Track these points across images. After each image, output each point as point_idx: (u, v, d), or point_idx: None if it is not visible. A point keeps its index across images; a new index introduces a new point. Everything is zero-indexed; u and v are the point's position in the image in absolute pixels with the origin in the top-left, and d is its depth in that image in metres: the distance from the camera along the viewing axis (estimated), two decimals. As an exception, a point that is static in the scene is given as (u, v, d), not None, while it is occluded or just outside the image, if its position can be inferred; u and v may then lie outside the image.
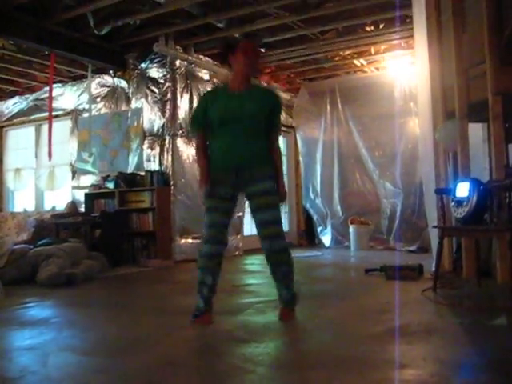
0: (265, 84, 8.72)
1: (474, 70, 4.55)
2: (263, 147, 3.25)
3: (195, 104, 7.42)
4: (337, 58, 8.33)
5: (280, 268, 3.22)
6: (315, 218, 9.16)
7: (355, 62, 8.40)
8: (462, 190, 3.97)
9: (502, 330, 2.88)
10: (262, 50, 3.63)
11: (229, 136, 3.18)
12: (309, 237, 9.29)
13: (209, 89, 3.21)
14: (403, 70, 8.21)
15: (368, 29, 7.02)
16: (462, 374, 2.22)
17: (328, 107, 9.11)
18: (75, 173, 8.04)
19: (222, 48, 3.38)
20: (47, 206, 8.50)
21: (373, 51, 8.03)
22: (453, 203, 4.07)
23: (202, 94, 3.59)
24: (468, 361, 2.34)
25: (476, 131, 5.22)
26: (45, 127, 8.22)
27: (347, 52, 8.05)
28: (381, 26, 6.90)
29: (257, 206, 3.18)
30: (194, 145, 3.42)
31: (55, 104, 7.96)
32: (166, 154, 7.14)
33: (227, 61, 3.27)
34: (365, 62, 8.49)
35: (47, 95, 7.63)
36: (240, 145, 3.17)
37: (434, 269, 4.32)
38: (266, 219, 3.14)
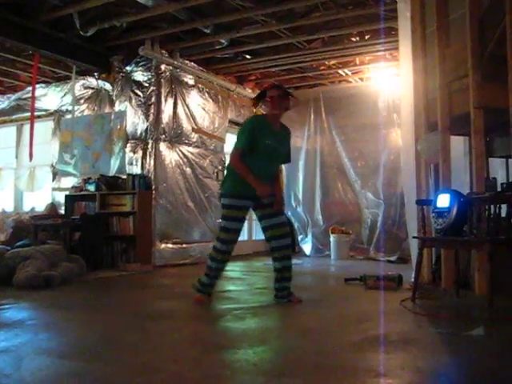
0: (249, 90, 8.80)
1: (457, 84, 4.61)
2: (275, 175, 4.30)
3: (179, 109, 7.41)
4: (322, 68, 8.39)
5: (288, 261, 4.08)
6: (296, 226, 9.16)
7: (340, 71, 8.46)
8: (443, 201, 4.01)
9: (479, 341, 2.90)
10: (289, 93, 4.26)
11: (260, 166, 3.97)
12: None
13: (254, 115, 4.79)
14: (387, 82, 8.29)
15: (354, 39, 7.09)
16: (439, 384, 2.24)
17: (312, 116, 9.15)
18: (56, 174, 7.96)
19: (259, 93, 4.21)
20: (26, 207, 8.40)
21: (358, 62, 8.11)
22: (433, 214, 4.10)
23: (249, 119, 4.44)
24: (445, 370, 2.35)
25: (457, 144, 5.28)
26: (26, 127, 8.15)
27: (332, 62, 8.11)
28: (366, 37, 6.97)
29: (266, 213, 4.05)
30: (237, 157, 4.01)
31: (38, 104, 7.88)
32: (148, 157, 7.10)
33: (262, 102, 4.14)
34: (349, 72, 8.56)
35: (30, 95, 7.57)
36: (264, 178, 3.98)
37: (413, 279, 4.35)
38: (275, 223, 4.04)
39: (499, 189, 4.18)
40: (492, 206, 3.75)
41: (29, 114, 7.52)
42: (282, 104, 4.06)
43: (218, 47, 7.19)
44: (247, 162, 3.95)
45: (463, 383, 2.23)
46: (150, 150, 7.10)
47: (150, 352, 2.68)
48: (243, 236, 9.34)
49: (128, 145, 7.27)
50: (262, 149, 3.95)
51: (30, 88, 7.74)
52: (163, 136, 7.16)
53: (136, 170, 7.14)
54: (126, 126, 7.29)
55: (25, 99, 8.35)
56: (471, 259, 4.41)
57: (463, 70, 4.46)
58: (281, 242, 4.04)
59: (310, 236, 8.98)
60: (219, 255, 4.04)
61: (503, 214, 3.84)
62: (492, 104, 4.29)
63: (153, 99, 7.15)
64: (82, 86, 7.83)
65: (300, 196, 9.18)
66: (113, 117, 7.45)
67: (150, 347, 2.79)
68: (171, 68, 7.33)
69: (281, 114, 4.11)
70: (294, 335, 3.13)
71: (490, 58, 4.33)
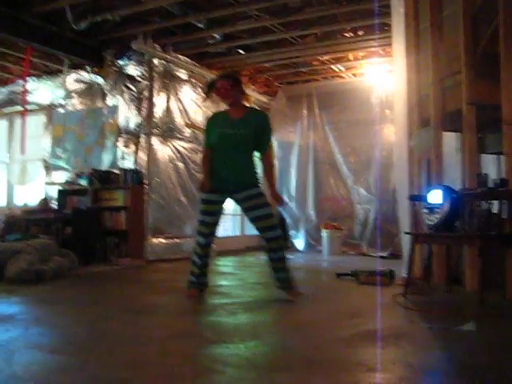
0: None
1: (450, 80, 4.62)
2: (249, 165, 4.05)
3: (172, 103, 7.42)
4: (315, 63, 8.38)
5: (276, 253, 4.01)
6: (288, 221, 9.18)
7: (333, 67, 8.46)
8: (435, 197, 4.02)
9: (470, 336, 2.91)
10: (237, 78, 4.17)
11: (224, 157, 3.98)
12: (282, 240, 9.28)
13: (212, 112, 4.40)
14: (380, 77, 8.30)
15: (347, 35, 7.09)
16: (430, 379, 2.25)
17: (305, 111, 9.16)
18: (48, 168, 7.92)
19: (206, 87, 4.15)
20: (18, 201, 8.35)
21: (351, 57, 8.11)
22: (425, 210, 4.12)
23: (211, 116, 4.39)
24: (437, 365, 2.36)
25: (450, 140, 5.29)
26: (18, 121, 8.08)
27: (326, 57, 8.10)
28: (360, 32, 6.98)
29: (248, 207, 4.01)
30: (203, 157, 4.23)
31: (30, 98, 7.83)
32: (141, 152, 7.08)
33: (211, 95, 4.14)
34: (343, 68, 8.56)
35: (21, 88, 7.51)
36: (231, 169, 3.97)
37: (405, 274, 4.36)
38: (258, 215, 3.96)
39: (491, 185, 4.19)
40: (484, 202, 3.77)
41: (20, 107, 7.46)
42: (232, 93, 3.99)
43: (211, 42, 7.17)
44: (215, 157, 4.02)
45: (454, 378, 2.24)
46: (142, 144, 7.08)
47: (141, 346, 2.67)
48: (235, 231, 9.40)
49: (120, 139, 7.23)
50: (217, 138, 3.98)
51: (21, 81, 7.68)
52: (156, 130, 7.14)
53: (128, 164, 7.11)
54: (118, 121, 7.26)
55: (16, 93, 8.28)
56: (463, 255, 4.43)
57: (456, 67, 4.46)
58: (267, 234, 3.97)
59: (302, 231, 8.99)
60: (201, 249, 4.08)
61: (495, 210, 3.86)
62: (484, 101, 4.31)
63: (145, 93, 7.13)
64: (74, 79, 7.77)
65: (292, 191, 9.19)
66: (105, 111, 7.41)
67: (142, 342, 2.79)
68: (164, 62, 7.30)
69: (234, 102, 4.03)
70: (286, 330, 3.14)
71: (482, 55, 4.34)
